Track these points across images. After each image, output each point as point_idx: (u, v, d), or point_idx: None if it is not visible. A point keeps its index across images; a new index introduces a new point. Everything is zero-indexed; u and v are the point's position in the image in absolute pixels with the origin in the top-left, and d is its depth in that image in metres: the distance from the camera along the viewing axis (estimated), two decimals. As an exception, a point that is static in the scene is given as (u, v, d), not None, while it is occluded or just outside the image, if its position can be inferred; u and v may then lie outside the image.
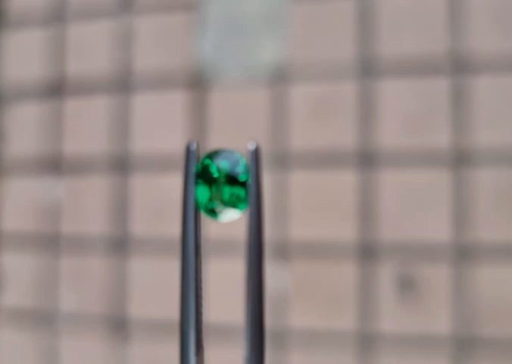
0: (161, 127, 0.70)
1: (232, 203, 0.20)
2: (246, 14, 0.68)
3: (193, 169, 0.19)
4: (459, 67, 0.62)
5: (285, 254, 0.64)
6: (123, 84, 0.72)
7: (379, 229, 0.62)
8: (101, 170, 0.71)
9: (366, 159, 0.63)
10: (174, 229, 0.67)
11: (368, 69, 0.64)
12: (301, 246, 0.64)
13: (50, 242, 0.73)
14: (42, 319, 0.72)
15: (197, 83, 0.69)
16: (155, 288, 0.69)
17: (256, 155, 0.19)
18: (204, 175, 0.20)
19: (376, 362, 0.61)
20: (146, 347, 0.68)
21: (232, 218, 0.20)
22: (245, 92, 0.67)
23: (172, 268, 0.67)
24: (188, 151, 0.20)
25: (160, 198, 0.69)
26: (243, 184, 0.20)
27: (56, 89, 0.74)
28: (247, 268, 0.20)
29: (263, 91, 0.67)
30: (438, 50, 0.62)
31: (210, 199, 0.20)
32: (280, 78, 0.66)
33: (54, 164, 0.74)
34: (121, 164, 0.71)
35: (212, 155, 0.20)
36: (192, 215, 0.20)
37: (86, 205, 0.72)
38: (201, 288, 0.20)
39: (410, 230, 0.62)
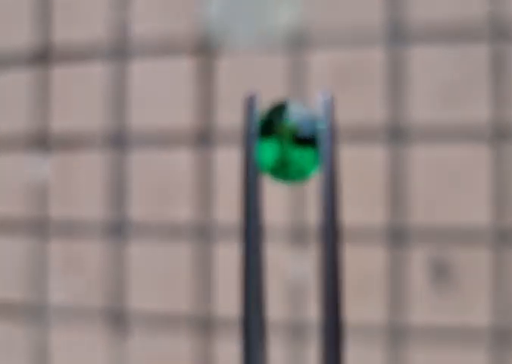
0: (163, 98, 0.65)
1: (302, 165, 0.18)
2: (259, -29, 0.63)
3: (255, 126, 0.17)
4: (500, 32, 0.58)
5: (304, 239, 0.61)
6: (119, 50, 0.66)
7: (410, 211, 0.59)
8: (95, 146, 0.66)
9: (396, 135, 0.59)
10: (178, 211, 0.64)
11: (398, 34, 0.60)
12: None
13: (38, 226, 0.67)
14: (31, 312, 0.68)
15: (203, 49, 0.64)
16: (157, 277, 0.65)
17: (329, 107, 0.17)
18: (268, 133, 0.18)
19: (407, 356, 0.58)
20: (148, 341, 0.64)
21: (302, 181, 0.18)
22: (258, 60, 0.63)
23: (176, 255, 0.63)
24: (249, 104, 0.17)
25: (163, 177, 0.64)
26: (314, 143, 0.18)
27: (42, 55, 0.68)
28: (322, 250, 0.18)
29: (279, 58, 0.62)
30: (477, 13, 0.58)
31: (277, 161, 0.18)
32: (298, 43, 0.62)
33: (41, 140, 0.68)
34: (118, 140, 0.65)
35: (277, 109, 0.18)
36: (255, 180, 0.18)
37: (79, 185, 0.67)
38: (263, 275, 0.19)
39: (445, 213, 0.59)
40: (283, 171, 0.18)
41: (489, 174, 0.58)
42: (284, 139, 0.18)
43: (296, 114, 0.18)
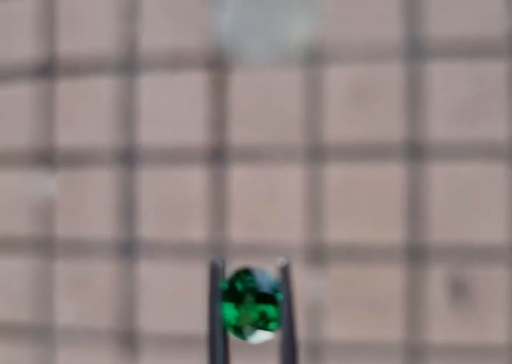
0: (174, 114, 0.64)
1: (262, 323, 0.20)
2: (273, -17, 0.62)
3: (219, 288, 0.20)
4: (518, 48, 0.58)
5: (321, 259, 0.61)
6: (127, 63, 0.65)
7: (428, 229, 0.59)
8: (103, 162, 0.65)
9: (414, 151, 0.59)
10: (191, 230, 0.63)
11: (416, 50, 0.59)
12: (339, 250, 0.61)
13: (44, 245, 0.66)
14: (37, 333, 0.67)
15: (215, 63, 0.63)
16: (168, 297, 0.64)
17: (286, 272, 0.20)
18: (231, 294, 0.20)
19: (426, 375, 0.59)
20: (158, 363, 0.64)
21: (263, 339, 0.20)
22: (272, 74, 0.62)
23: (187, 275, 0.63)
24: (212, 268, 0.20)
25: (175, 195, 0.64)
26: (273, 303, 0.20)
27: (46, 68, 0.67)
28: None
29: (294, 73, 0.62)
30: (494, 30, 0.59)
31: (238, 319, 0.20)
32: (314, 58, 0.61)
33: (47, 156, 0.67)
34: (127, 156, 0.65)
35: (239, 273, 0.20)
36: (221, 337, 0.20)
37: (86, 203, 0.66)
38: None
39: (464, 231, 0.59)
40: (243, 328, 0.20)
41: (508, 192, 0.58)
42: (245, 302, 0.20)
43: (258, 279, 0.20)
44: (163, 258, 0.63)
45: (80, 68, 0.66)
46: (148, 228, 0.64)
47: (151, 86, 0.65)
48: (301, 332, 0.60)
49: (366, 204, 0.60)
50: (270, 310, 0.20)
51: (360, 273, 0.60)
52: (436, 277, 0.59)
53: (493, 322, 0.58)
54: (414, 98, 0.59)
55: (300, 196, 0.61)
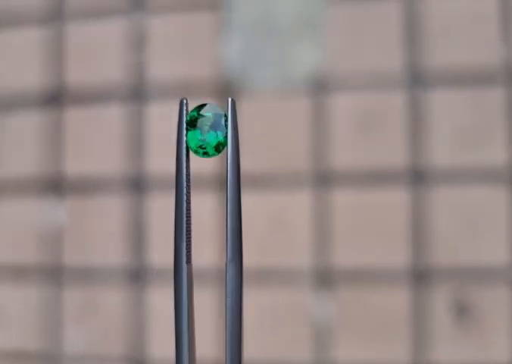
0: None
1: (215, 145, 0.25)
2: (279, 14, 0.64)
3: (184, 118, 0.25)
4: (515, 77, 0.60)
5: (328, 282, 0.62)
6: (136, 92, 0.66)
7: (432, 252, 0.61)
8: (112, 190, 0.66)
9: (418, 177, 0.61)
10: (198, 257, 0.63)
11: (417, 79, 0.61)
12: (346, 273, 0.62)
13: (53, 273, 0.67)
14: (46, 361, 0.66)
15: (224, 92, 0.64)
16: None
17: (233, 105, 0.25)
18: (192, 123, 0.25)
19: (432, 395, 0.60)
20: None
21: (214, 156, 0.26)
22: (280, 103, 0.64)
23: (199, 301, 0.63)
24: (181, 104, 0.25)
25: None
26: (223, 131, 0.25)
27: (56, 97, 0.68)
28: (227, 201, 0.25)
29: (301, 101, 0.63)
30: (493, 59, 0.61)
31: (198, 142, 0.25)
32: (320, 87, 0.63)
33: (55, 185, 0.67)
34: (136, 184, 0.65)
35: (198, 107, 0.26)
36: (184, 154, 0.25)
37: (95, 230, 0.66)
38: (190, 221, 0.27)
39: (467, 253, 0.61)
40: (203, 149, 0.26)
41: (507, 214, 0.60)
42: (202, 128, 0.25)
43: (211, 111, 0.25)
44: (172, 284, 0.64)
45: (89, 97, 0.67)
46: (158, 255, 0.65)
47: (159, 115, 0.66)
48: (309, 354, 0.60)
49: (371, 228, 0.62)
50: (220, 135, 0.25)
51: (367, 296, 0.61)
52: (440, 299, 0.60)
53: (496, 342, 0.60)
54: (417, 125, 0.61)
55: (307, 221, 0.62)
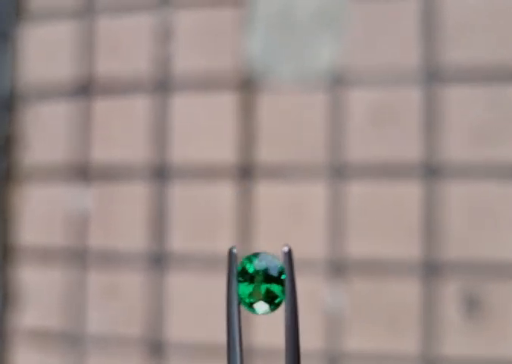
0: (205, 133, 0.69)
1: (269, 299, 0.25)
2: (299, 10, 0.67)
3: (235, 269, 0.25)
4: (532, 75, 0.62)
5: (342, 272, 0.65)
6: (162, 84, 0.70)
7: (444, 245, 0.63)
8: (136, 178, 0.70)
9: (432, 171, 0.63)
10: (218, 243, 0.67)
11: (433, 74, 0.64)
12: (359, 263, 0.64)
13: (77, 256, 0.71)
14: (69, 341, 0.71)
15: (245, 86, 0.68)
16: (196, 308, 0.68)
17: (289, 256, 0.24)
18: (244, 274, 0.25)
19: (441, 387, 0.62)
20: None
21: (270, 312, 0.25)
22: (298, 97, 0.67)
23: (214, 286, 0.67)
24: (230, 254, 0.24)
25: (203, 210, 0.68)
26: (279, 282, 0.24)
27: (85, 88, 0.73)
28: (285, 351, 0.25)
29: (319, 95, 0.66)
30: (510, 56, 0.63)
31: (250, 295, 0.25)
32: (338, 81, 0.66)
33: (83, 171, 0.72)
34: (160, 172, 0.70)
35: (251, 257, 0.25)
36: (236, 310, 0.25)
37: (119, 216, 0.71)
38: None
39: (478, 247, 0.62)
40: (254, 302, 0.25)
41: (522, 211, 0.62)
42: (256, 280, 0.24)
43: (264, 260, 0.25)
44: (192, 269, 0.68)
45: (117, 88, 0.72)
46: (178, 241, 0.69)
47: (183, 106, 0.70)
48: (322, 343, 0.63)
49: (385, 220, 0.64)
50: (276, 288, 0.24)
51: (379, 286, 0.64)
52: (451, 292, 0.62)
53: (506, 335, 0.61)
54: (432, 120, 0.64)
55: (323, 212, 0.65)
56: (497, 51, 0.63)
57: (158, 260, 0.69)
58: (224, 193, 0.68)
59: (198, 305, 0.68)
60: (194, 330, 0.68)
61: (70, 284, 0.72)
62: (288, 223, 0.67)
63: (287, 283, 0.24)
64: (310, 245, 0.66)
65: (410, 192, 0.64)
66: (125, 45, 0.72)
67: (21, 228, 0.74)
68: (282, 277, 0.24)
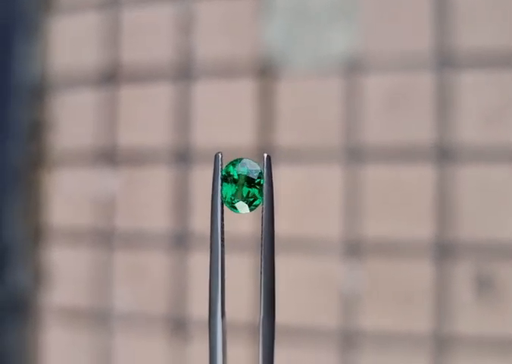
0: (225, 118, 0.72)
1: (249, 200, 0.27)
2: (317, -1, 0.69)
3: (219, 173, 0.26)
4: (544, 59, 0.63)
5: (358, 252, 0.67)
6: (184, 72, 0.73)
7: (457, 226, 0.64)
8: (160, 162, 0.73)
9: (445, 154, 0.65)
10: (237, 224, 0.69)
11: (446, 59, 0.65)
12: (374, 244, 0.66)
13: (104, 237, 0.75)
14: (96, 318, 0.74)
15: (264, 72, 0.70)
16: None
17: (268, 162, 0.26)
18: (228, 177, 0.27)
19: (453, 364, 0.64)
20: (207, 348, 0.68)
21: (249, 211, 0.27)
22: (315, 82, 0.69)
23: (236, 266, 0.69)
24: (216, 158, 0.26)
25: None
26: (259, 186, 0.27)
27: (111, 76, 0.76)
28: (262, 258, 0.27)
29: (335, 81, 0.68)
30: None
31: (232, 196, 0.27)
32: (353, 67, 0.68)
33: (109, 156, 0.75)
34: (182, 157, 0.72)
35: (234, 162, 0.27)
36: (219, 208, 0.27)
37: (144, 199, 0.74)
38: (224, 276, 0.29)
39: (491, 228, 0.64)
40: (236, 203, 0.27)
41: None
42: (238, 183, 0.26)
43: (247, 166, 0.26)
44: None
45: (141, 76, 0.75)
46: (201, 222, 0.71)
47: (205, 92, 0.72)
48: (339, 321, 0.64)
49: (399, 202, 0.66)
50: (255, 191, 0.26)
51: (393, 266, 0.65)
52: (464, 272, 0.64)
53: None
54: (444, 104, 0.65)
55: (339, 194, 0.67)
56: (508, 36, 0.64)
57: (181, 240, 0.72)
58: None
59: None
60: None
61: (97, 264, 0.75)
62: (305, 204, 0.69)
63: (265, 186, 0.26)
64: (326, 226, 0.68)
65: (424, 174, 0.65)
66: (148, 34, 0.75)
67: (51, 210, 0.78)
68: (262, 181, 0.26)
